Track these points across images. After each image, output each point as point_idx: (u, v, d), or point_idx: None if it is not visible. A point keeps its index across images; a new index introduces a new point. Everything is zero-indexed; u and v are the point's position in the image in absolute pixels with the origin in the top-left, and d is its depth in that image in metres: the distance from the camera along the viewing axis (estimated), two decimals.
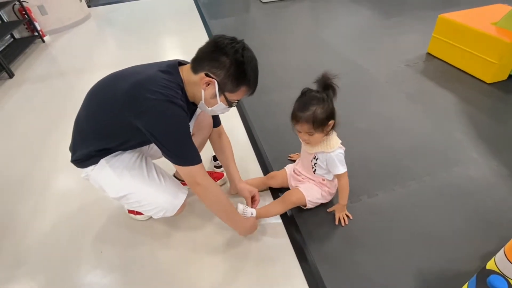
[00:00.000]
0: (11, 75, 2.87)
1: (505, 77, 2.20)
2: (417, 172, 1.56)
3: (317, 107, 1.11)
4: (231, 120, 2.01)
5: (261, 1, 4.18)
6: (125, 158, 1.17)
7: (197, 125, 1.32)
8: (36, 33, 3.55)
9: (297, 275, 1.18)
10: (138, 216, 1.42)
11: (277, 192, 1.50)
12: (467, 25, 2.23)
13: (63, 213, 1.51)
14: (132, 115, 0.97)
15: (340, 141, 1.25)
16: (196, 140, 1.25)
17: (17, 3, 3.38)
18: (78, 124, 1.14)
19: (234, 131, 1.91)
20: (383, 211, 1.39)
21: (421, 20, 3.23)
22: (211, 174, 1.58)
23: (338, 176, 1.29)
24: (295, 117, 1.16)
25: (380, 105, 2.10)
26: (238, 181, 1.38)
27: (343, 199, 1.31)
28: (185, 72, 1.05)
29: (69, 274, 1.25)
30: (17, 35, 3.57)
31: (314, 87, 1.17)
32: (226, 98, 1.04)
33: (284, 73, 2.56)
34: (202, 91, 1.03)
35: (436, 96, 2.13)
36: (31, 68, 3.04)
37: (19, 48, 3.28)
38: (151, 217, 1.39)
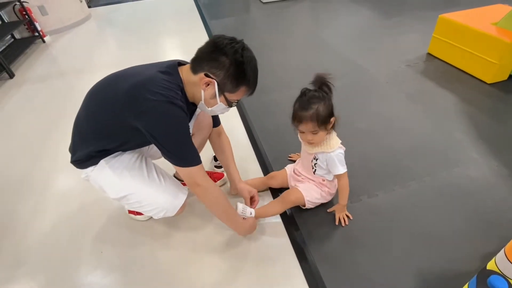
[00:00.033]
0: (11, 75, 2.87)
1: (505, 77, 2.20)
2: (417, 172, 1.56)
3: (319, 105, 1.12)
4: (231, 120, 2.01)
5: (261, 1, 4.19)
6: (125, 159, 1.17)
7: (197, 125, 1.32)
8: (36, 34, 3.55)
9: (297, 275, 1.18)
10: (138, 217, 1.42)
11: (277, 192, 1.50)
12: (467, 25, 2.23)
13: (63, 213, 1.51)
14: (132, 116, 0.97)
15: (340, 141, 1.25)
16: (195, 140, 1.25)
17: (18, 3, 3.38)
18: (78, 124, 1.14)
19: (234, 131, 1.91)
20: (383, 211, 1.39)
21: (421, 20, 3.23)
22: (211, 174, 1.58)
23: (338, 176, 1.29)
24: (298, 118, 1.15)
25: (380, 105, 2.10)
26: (238, 181, 1.38)
27: (343, 199, 1.31)
28: (185, 73, 1.05)
29: (69, 274, 1.25)
30: (17, 36, 3.57)
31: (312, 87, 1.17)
32: (225, 98, 1.04)
33: (284, 73, 2.56)
34: (202, 91, 1.03)
35: (436, 96, 2.13)
36: (32, 69, 3.04)
37: (19, 48, 3.28)
38: (151, 217, 1.40)
